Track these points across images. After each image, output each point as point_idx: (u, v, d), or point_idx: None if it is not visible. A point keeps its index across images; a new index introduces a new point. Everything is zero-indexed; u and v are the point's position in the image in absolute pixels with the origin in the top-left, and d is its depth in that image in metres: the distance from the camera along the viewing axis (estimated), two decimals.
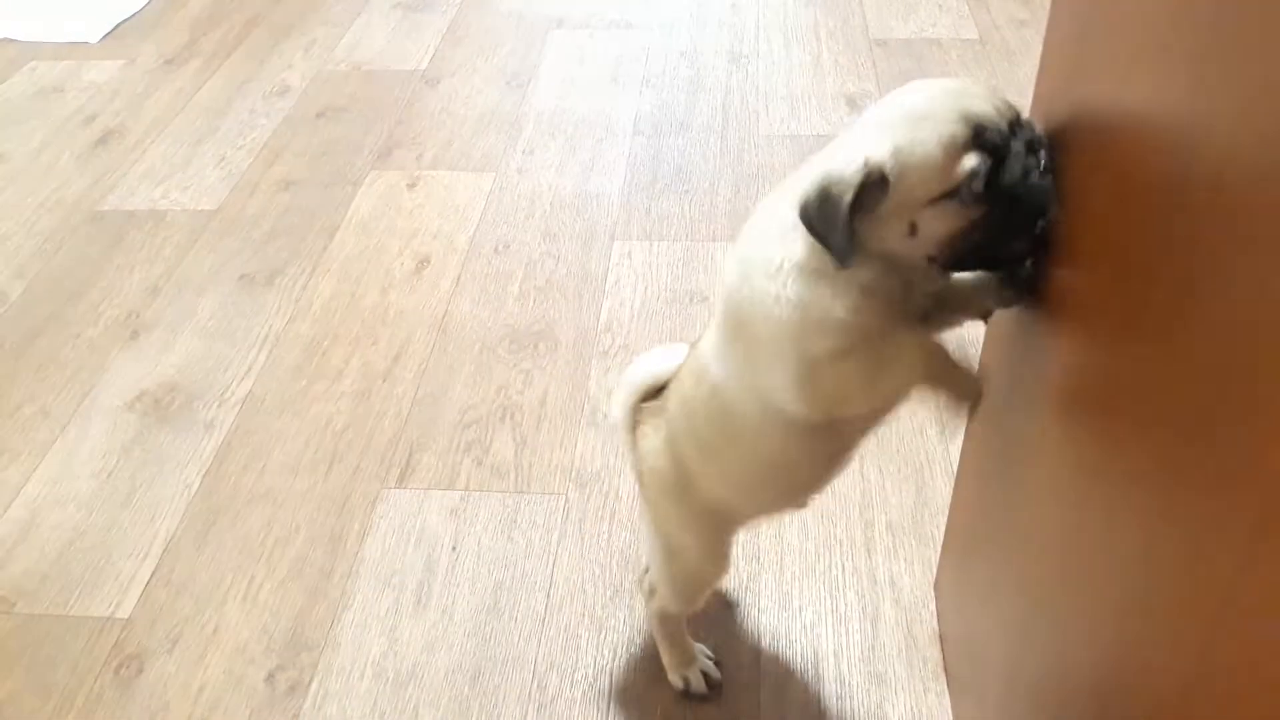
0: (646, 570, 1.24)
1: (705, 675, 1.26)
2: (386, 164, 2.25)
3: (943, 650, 1.29)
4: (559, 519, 1.49)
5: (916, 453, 1.54)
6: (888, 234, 0.83)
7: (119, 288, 1.96)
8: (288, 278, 1.96)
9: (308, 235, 2.06)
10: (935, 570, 1.37)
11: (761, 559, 1.41)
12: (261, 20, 2.86)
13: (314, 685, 1.31)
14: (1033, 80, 0.95)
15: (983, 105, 0.81)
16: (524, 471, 1.56)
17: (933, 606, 1.34)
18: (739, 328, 0.93)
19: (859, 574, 1.39)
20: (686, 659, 1.26)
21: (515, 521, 1.49)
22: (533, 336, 1.79)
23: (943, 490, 1.47)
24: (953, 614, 1.27)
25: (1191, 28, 0.60)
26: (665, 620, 1.24)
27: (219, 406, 1.70)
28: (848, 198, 0.79)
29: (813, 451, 1.01)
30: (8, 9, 2.94)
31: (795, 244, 0.86)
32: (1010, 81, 2.35)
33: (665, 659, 1.27)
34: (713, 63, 2.54)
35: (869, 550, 1.42)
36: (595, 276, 1.91)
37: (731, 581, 1.39)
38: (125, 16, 2.90)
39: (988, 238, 0.82)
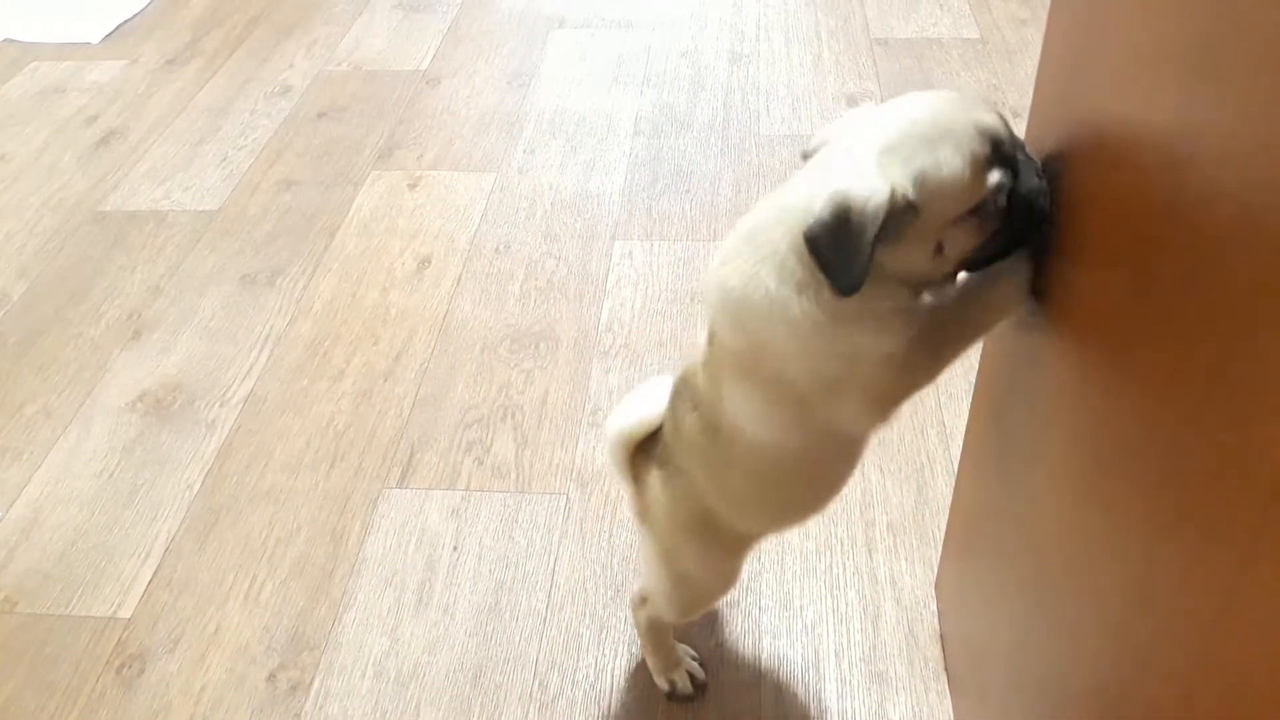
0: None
1: (691, 676, 1.26)
2: (388, 164, 2.25)
3: (944, 649, 1.29)
4: (560, 519, 1.49)
5: (917, 452, 1.54)
6: (913, 257, 0.81)
7: (121, 288, 1.97)
8: (289, 278, 1.96)
9: (309, 235, 2.06)
10: (936, 570, 1.37)
11: (762, 559, 1.41)
12: (263, 20, 2.87)
13: (316, 684, 1.31)
14: (1033, 79, 0.95)
15: (992, 118, 0.81)
16: (525, 471, 1.56)
17: (934, 606, 1.34)
18: (769, 378, 0.89)
19: (860, 573, 1.39)
20: (672, 662, 1.26)
21: (516, 521, 1.49)
22: (534, 336, 1.79)
23: (944, 490, 1.47)
24: (954, 613, 1.27)
25: (1192, 23, 0.60)
26: (654, 627, 1.24)
27: (220, 406, 1.70)
28: (871, 230, 0.75)
29: (851, 457, 1.02)
30: (9, 10, 2.95)
31: (819, 292, 0.82)
32: (1011, 81, 2.35)
33: (651, 663, 1.27)
34: (713, 62, 2.54)
35: (870, 550, 1.42)
36: (596, 276, 1.91)
37: None
38: (127, 17, 2.90)
39: (1004, 244, 0.83)
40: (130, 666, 1.34)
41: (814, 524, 1.45)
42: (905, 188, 0.76)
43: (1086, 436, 0.78)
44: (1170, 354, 0.62)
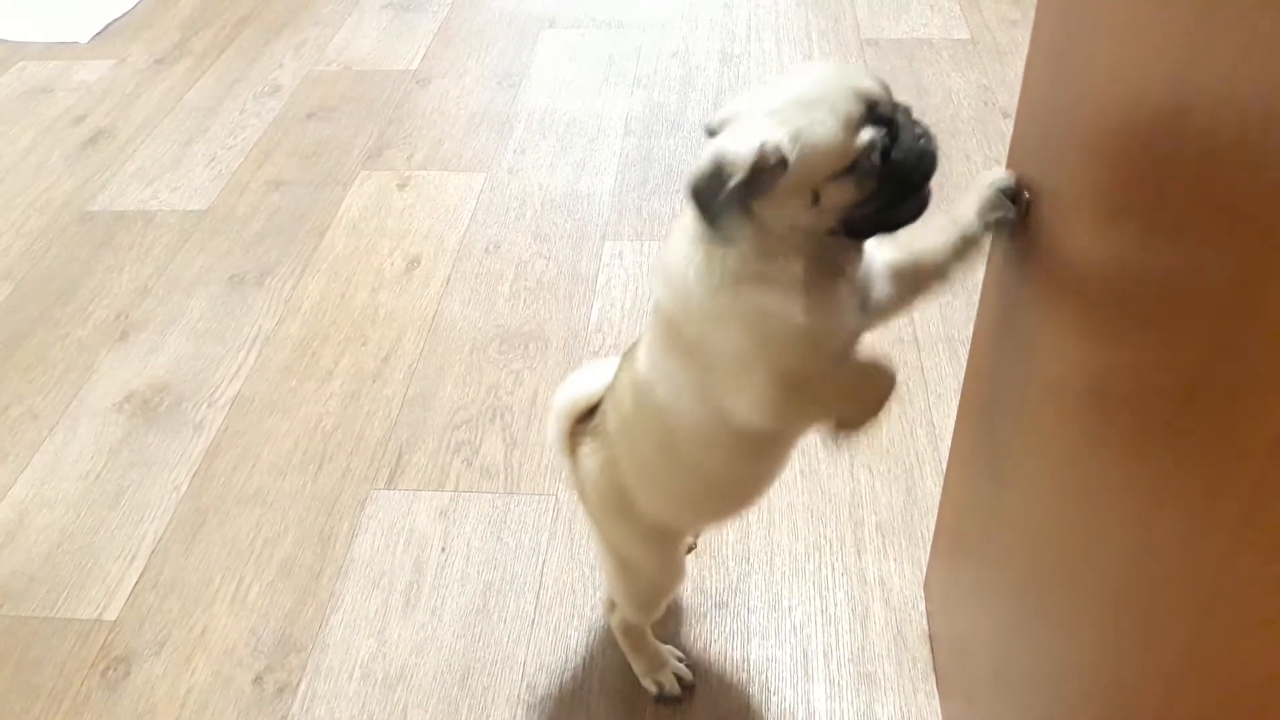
0: None
1: (678, 677, 1.26)
2: (377, 164, 2.25)
3: (932, 650, 1.29)
4: (549, 520, 1.48)
5: (906, 453, 1.54)
6: (791, 211, 0.85)
7: (108, 288, 1.96)
8: (277, 278, 1.95)
9: (298, 235, 2.06)
10: (925, 570, 1.37)
11: (751, 559, 1.41)
12: (252, 20, 2.86)
13: (302, 687, 1.30)
14: (1022, 79, 0.95)
15: (869, 82, 0.84)
16: (514, 472, 1.56)
17: (922, 606, 1.34)
18: (688, 346, 0.93)
19: (849, 574, 1.39)
20: (656, 664, 1.26)
21: (505, 522, 1.49)
22: (523, 337, 1.79)
23: (932, 490, 1.47)
24: (942, 614, 1.27)
25: (1178, 12, 0.59)
26: (629, 631, 1.24)
27: (208, 407, 1.70)
28: (738, 177, 0.79)
29: (760, 461, 1.03)
30: None
31: (730, 254, 0.87)
32: (1001, 81, 2.35)
33: (635, 667, 1.27)
34: (704, 63, 2.54)
35: (859, 550, 1.41)
36: (586, 277, 1.91)
37: (721, 581, 1.39)
38: (115, 16, 2.89)
39: (883, 204, 0.86)
40: (115, 669, 1.33)
41: (802, 524, 1.45)
42: (777, 143, 0.80)
43: (1075, 435, 0.78)
44: (1160, 345, 0.62)
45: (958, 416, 1.22)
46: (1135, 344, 0.65)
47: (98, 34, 2.82)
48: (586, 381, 1.13)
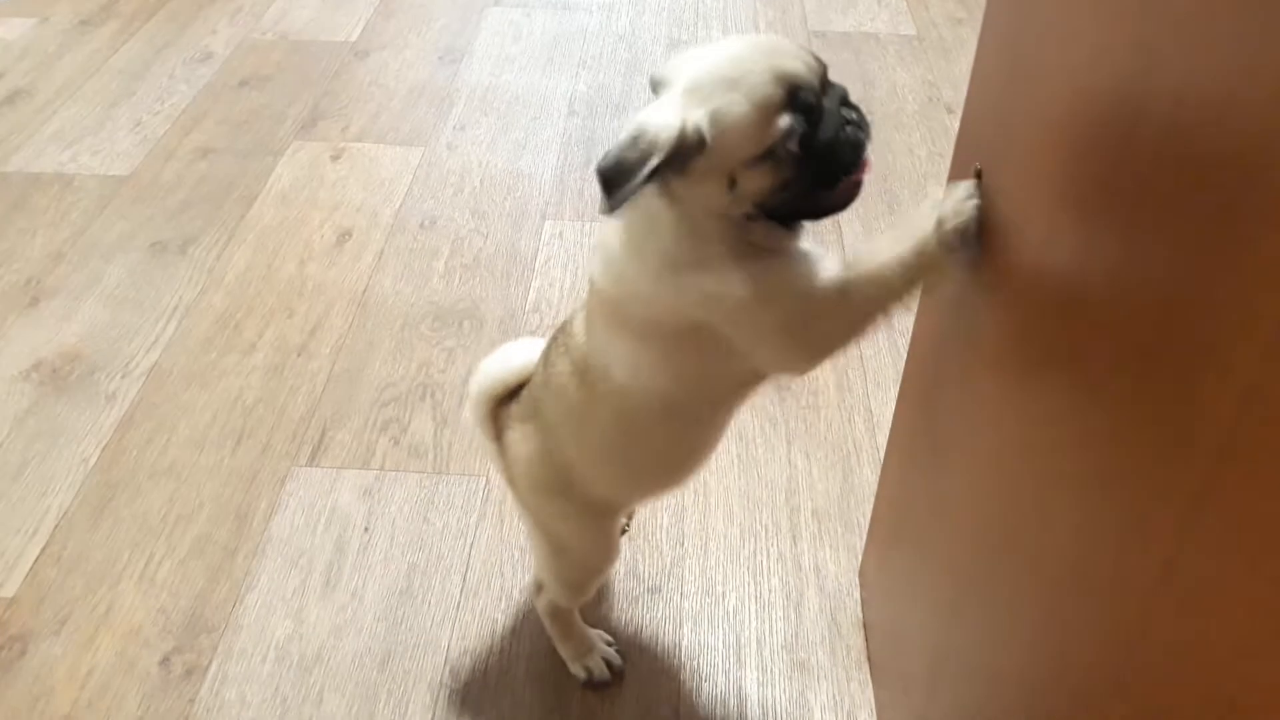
0: None
1: (607, 662, 1.22)
2: (310, 135, 2.17)
3: (867, 638, 1.27)
4: (478, 500, 1.44)
5: (844, 440, 1.52)
6: (708, 193, 0.82)
7: (19, 252, 1.86)
8: (201, 247, 1.87)
9: (224, 204, 1.98)
10: (860, 557, 1.35)
11: (686, 544, 1.38)
12: None
13: (212, 668, 1.24)
14: (967, 76, 0.93)
15: (795, 64, 0.81)
16: (443, 452, 1.51)
17: (857, 594, 1.32)
18: (643, 326, 0.91)
19: (784, 560, 1.36)
20: (585, 648, 1.22)
21: (432, 503, 1.44)
22: (457, 314, 1.74)
23: (869, 478, 1.45)
24: (878, 601, 1.25)
25: (1123, 7, 0.58)
26: (557, 615, 1.21)
27: (122, 378, 1.62)
28: (655, 158, 0.77)
29: (712, 431, 1.03)
30: None
31: (661, 237, 0.86)
32: (946, 77, 2.36)
33: (563, 652, 1.23)
34: (650, 47, 2.51)
35: (794, 537, 1.39)
36: (525, 256, 1.86)
37: (654, 566, 1.35)
38: None
39: (800, 190, 0.83)
40: (10, 648, 1.26)
41: (738, 509, 1.42)
42: (698, 123, 0.78)
43: (1017, 415, 0.76)
44: (1110, 322, 0.60)
45: (896, 403, 1.21)
46: (1085, 324, 0.63)
47: None
48: (504, 364, 1.10)
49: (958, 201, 0.84)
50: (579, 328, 0.99)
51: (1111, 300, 0.60)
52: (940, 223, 0.84)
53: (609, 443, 1.02)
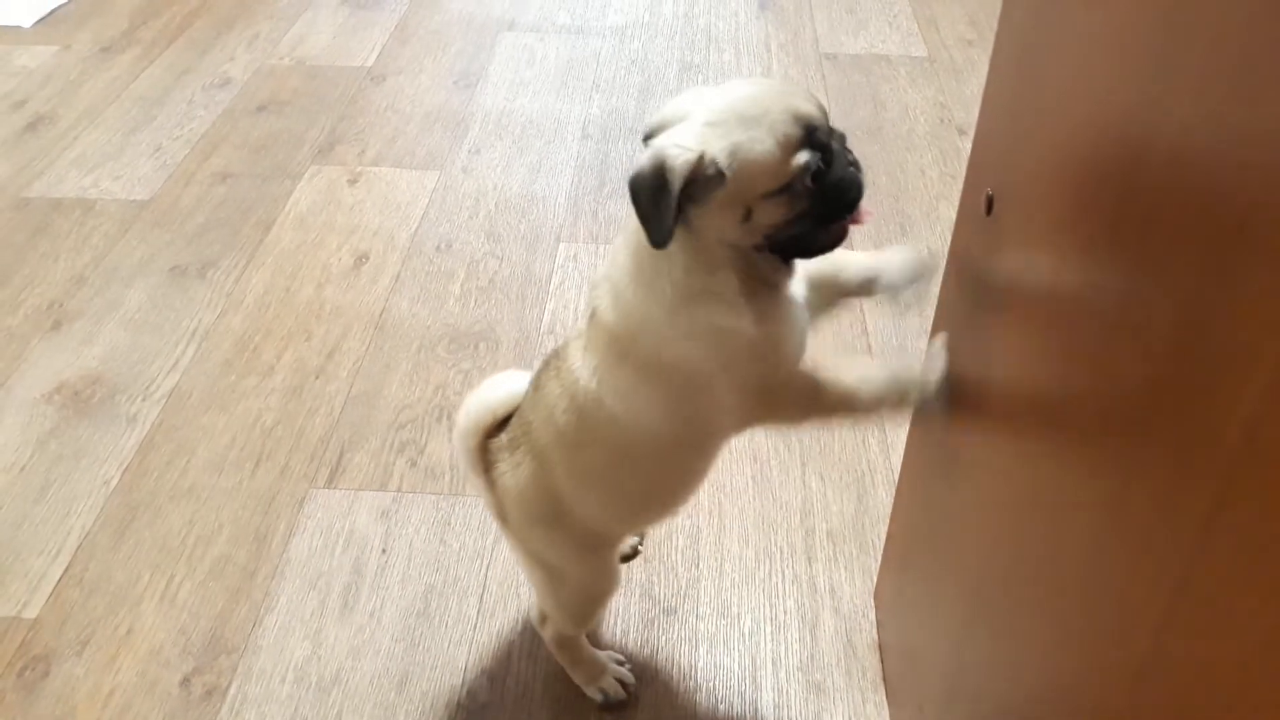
0: None
1: (621, 681, 1.23)
2: (328, 159, 2.20)
3: (882, 660, 1.27)
4: (494, 522, 1.44)
5: (858, 461, 1.52)
6: (723, 224, 0.86)
7: (42, 276, 1.89)
8: (221, 270, 1.90)
9: (243, 228, 2.00)
10: (875, 579, 1.36)
11: (701, 565, 1.39)
12: (204, 12, 2.80)
13: (232, 690, 1.25)
14: (979, 97, 0.94)
15: (809, 106, 0.86)
16: (459, 473, 1.52)
17: (872, 616, 1.33)
18: (643, 362, 0.93)
19: (799, 582, 1.37)
20: (597, 671, 1.23)
21: (449, 524, 1.45)
22: (473, 337, 1.75)
23: (884, 499, 1.46)
24: (892, 623, 1.26)
25: (1136, 38, 0.59)
26: (564, 643, 1.21)
27: (143, 400, 1.64)
28: (677, 185, 0.81)
29: (704, 462, 1.05)
30: None
31: (673, 270, 0.88)
32: (958, 99, 2.37)
33: (576, 678, 1.23)
34: (663, 71, 2.53)
35: (809, 558, 1.39)
36: (539, 278, 1.88)
37: (670, 587, 1.36)
38: (61, 2, 2.81)
39: (808, 225, 0.88)
40: (34, 669, 1.27)
41: (753, 531, 1.43)
42: (716, 156, 0.83)
43: (1030, 439, 0.76)
44: (1120, 345, 0.60)
45: (911, 425, 1.21)
46: (1096, 347, 0.64)
47: (41, 19, 2.74)
48: (491, 396, 1.10)
49: (938, 364, 0.95)
50: (574, 353, 0.99)
51: (1121, 324, 0.60)
52: (926, 377, 0.94)
53: (598, 470, 1.03)
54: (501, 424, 1.09)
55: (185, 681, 1.26)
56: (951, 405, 1.02)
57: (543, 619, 1.22)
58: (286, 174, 2.15)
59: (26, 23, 2.71)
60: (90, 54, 2.60)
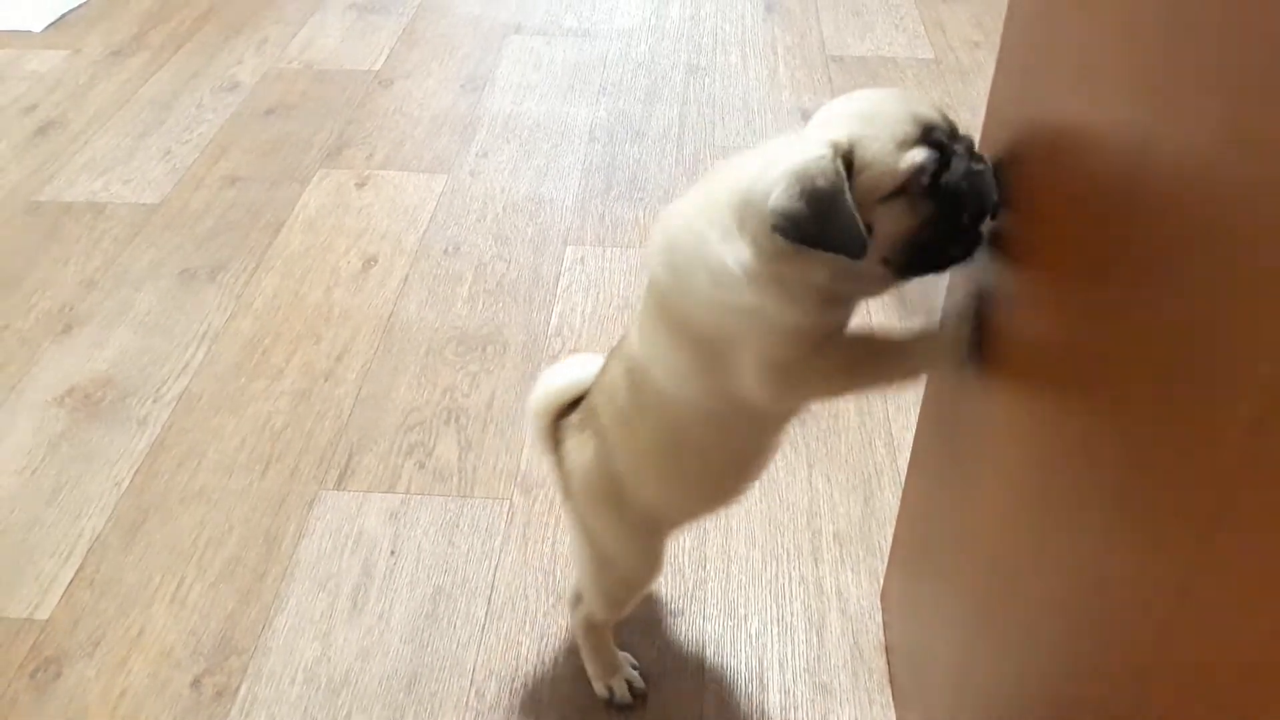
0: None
1: (630, 685, 1.23)
2: (336, 162, 2.21)
3: (889, 661, 1.28)
4: (502, 524, 1.45)
5: (865, 463, 1.53)
6: None
7: (53, 280, 1.90)
8: (230, 274, 1.91)
9: (252, 232, 2.01)
10: (882, 581, 1.36)
11: (708, 566, 1.39)
12: (213, 16, 2.81)
13: (242, 690, 1.26)
14: (985, 99, 0.95)
15: (927, 109, 0.84)
16: (468, 475, 1.52)
17: (879, 617, 1.33)
18: (677, 324, 0.92)
19: (806, 583, 1.37)
20: (611, 668, 1.23)
21: (457, 526, 1.45)
22: (481, 339, 1.76)
23: (890, 501, 1.46)
24: (899, 624, 1.26)
25: (1146, 30, 0.59)
26: (591, 629, 1.22)
27: (153, 403, 1.65)
28: (841, 186, 0.78)
29: (756, 438, 1.03)
30: None
31: (744, 250, 0.84)
32: (964, 100, 2.37)
33: (590, 668, 1.24)
34: (670, 73, 2.53)
35: (816, 560, 1.40)
36: (547, 281, 1.88)
37: (677, 589, 1.37)
38: (71, 7, 2.83)
39: (936, 236, 0.83)
40: (45, 670, 1.28)
41: (760, 532, 1.43)
42: (844, 143, 0.80)
43: (1037, 441, 0.77)
44: (1123, 353, 0.61)
45: (918, 427, 1.22)
46: (1100, 350, 0.65)
47: (52, 24, 2.76)
48: (563, 377, 1.12)
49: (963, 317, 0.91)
50: (635, 332, 1.00)
51: (1124, 328, 0.61)
52: (959, 329, 0.90)
53: (653, 450, 1.03)
54: (574, 404, 1.11)
55: (196, 682, 1.27)
56: (959, 404, 1.02)
57: (577, 599, 1.21)
58: (295, 177, 2.16)
59: (37, 27, 2.73)
60: (100, 58, 2.61)
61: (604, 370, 1.06)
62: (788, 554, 1.41)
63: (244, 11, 2.83)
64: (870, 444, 1.56)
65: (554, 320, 1.79)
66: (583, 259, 1.93)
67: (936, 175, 0.81)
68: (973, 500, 0.95)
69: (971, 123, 2.34)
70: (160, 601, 1.36)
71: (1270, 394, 0.45)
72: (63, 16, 2.79)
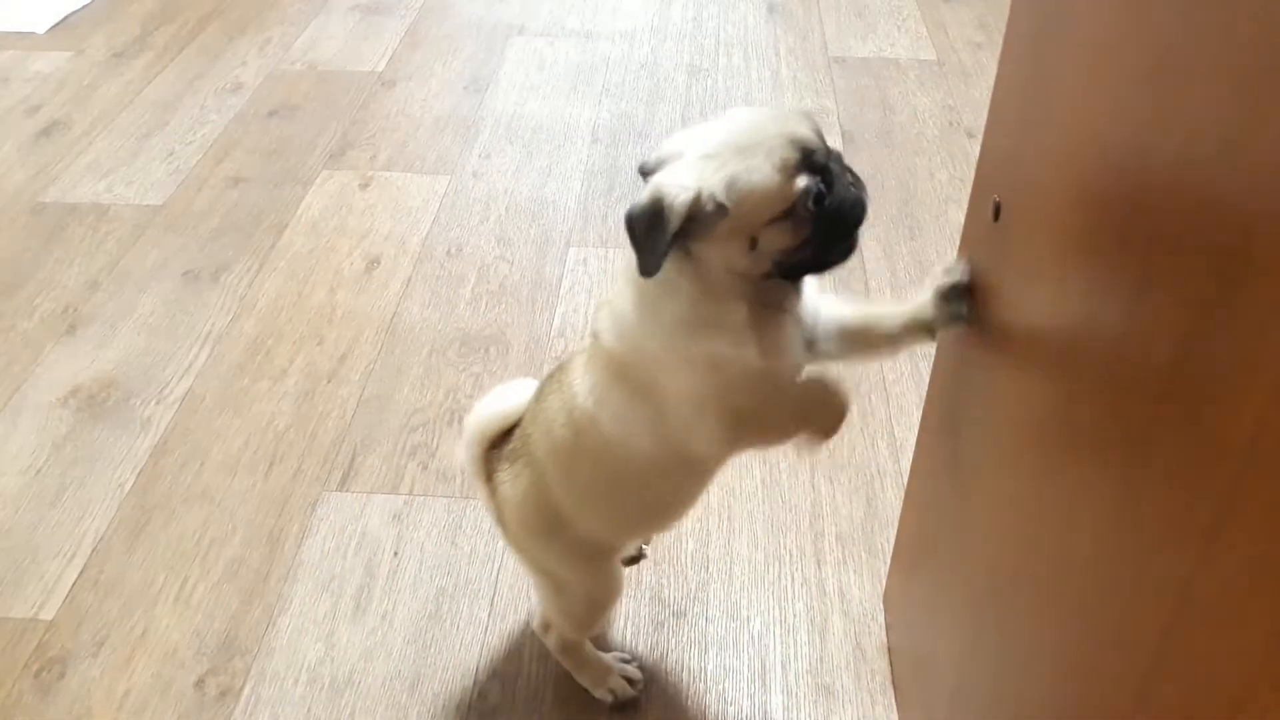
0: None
1: (627, 678, 1.24)
2: (339, 164, 2.21)
3: (891, 663, 1.28)
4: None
5: (867, 464, 1.53)
6: (730, 254, 0.86)
7: (57, 281, 1.90)
8: (233, 275, 1.91)
9: (255, 233, 2.02)
10: (885, 582, 1.36)
11: (710, 568, 1.39)
12: (216, 18, 2.81)
13: (246, 691, 1.26)
14: (987, 100, 0.95)
15: (804, 130, 0.86)
16: (469, 477, 1.52)
17: (882, 619, 1.33)
18: (638, 386, 0.94)
19: (808, 585, 1.37)
20: (603, 673, 1.24)
21: (460, 527, 1.46)
22: (484, 340, 1.76)
23: (893, 502, 1.46)
24: (902, 626, 1.26)
25: (1145, 43, 0.60)
26: (567, 649, 1.23)
27: (157, 404, 1.65)
28: (674, 223, 0.81)
29: (703, 479, 1.06)
30: None
31: (678, 300, 0.88)
32: (966, 101, 2.37)
33: (582, 682, 1.24)
34: (673, 75, 2.54)
35: (819, 561, 1.40)
36: (549, 282, 1.89)
37: (679, 590, 1.37)
38: (75, 8, 2.83)
39: (818, 248, 0.88)
40: (50, 670, 1.28)
41: (762, 534, 1.43)
42: (714, 190, 0.82)
43: (1039, 442, 0.77)
44: (1125, 356, 0.61)
45: (920, 429, 1.22)
46: (1103, 355, 0.65)
47: (55, 25, 2.76)
48: (497, 405, 1.11)
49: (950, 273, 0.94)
50: (576, 370, 1.01)
51: (1127, 333, 0.61)
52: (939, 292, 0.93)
53: (593, 486, 1.04)
54: (508, 432, 1.10)
55: (200, 683, 1.27)
56: (960, 405, 1.02)
57: (545, 626, 1.23)
58: (298, 179, 2.17)
59: (41, 29, 2.73)
60: (104, 60, 2.62)
61: (540, 399, 1.06)
62: (790, 555, 1.41)
63: (247, 13, 2.84)
64: (873, 445, 1.56)
65: (557, 321, 1.80)
66: (585, 260, 1.94)
67: (819, 196, 0.85)
68: (974, 503, 0.95)
69: (974, 124, 2.34)
70: (164, 602, 1.36)
71: (1273, 394, 0.45)
72: (66, 18, 2.79)
